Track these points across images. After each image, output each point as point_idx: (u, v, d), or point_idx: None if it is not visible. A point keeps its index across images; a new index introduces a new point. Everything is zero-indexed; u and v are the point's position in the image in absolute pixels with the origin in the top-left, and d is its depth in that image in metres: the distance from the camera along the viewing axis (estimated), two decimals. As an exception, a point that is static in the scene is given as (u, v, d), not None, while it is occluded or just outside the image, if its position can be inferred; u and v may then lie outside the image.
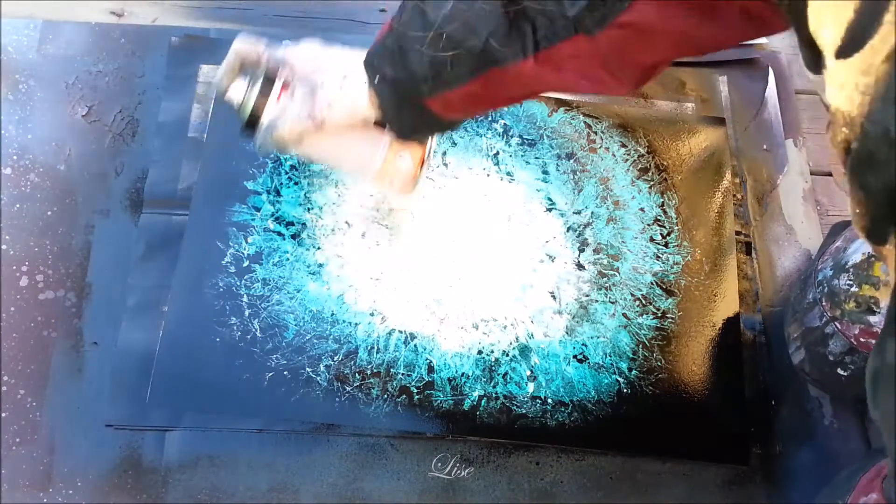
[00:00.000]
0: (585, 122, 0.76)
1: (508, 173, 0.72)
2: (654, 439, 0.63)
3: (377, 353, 0.64)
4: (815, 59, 0.32)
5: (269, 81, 0.55)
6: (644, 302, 0.68)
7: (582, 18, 0.46)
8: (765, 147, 0.79)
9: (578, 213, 0.71)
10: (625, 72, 0.50)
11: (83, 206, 0.68)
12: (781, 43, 0.87)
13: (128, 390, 0.61)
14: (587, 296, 0.68)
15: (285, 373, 0.62)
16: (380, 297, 0.66)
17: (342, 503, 0.60)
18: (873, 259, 0.57)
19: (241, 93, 0.56)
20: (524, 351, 0.65)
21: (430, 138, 0.61)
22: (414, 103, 0.53)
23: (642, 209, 0.72)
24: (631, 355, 0.65)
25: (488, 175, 0.72)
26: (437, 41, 0.50)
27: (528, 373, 0.64)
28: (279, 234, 0.67)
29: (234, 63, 0.57)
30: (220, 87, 0.57)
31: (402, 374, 0.63)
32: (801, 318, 0.64)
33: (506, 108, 0.75)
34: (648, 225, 0.72)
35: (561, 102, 0.76)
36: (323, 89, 0.54)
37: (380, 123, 0.57)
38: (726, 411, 0.64)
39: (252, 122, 0.56)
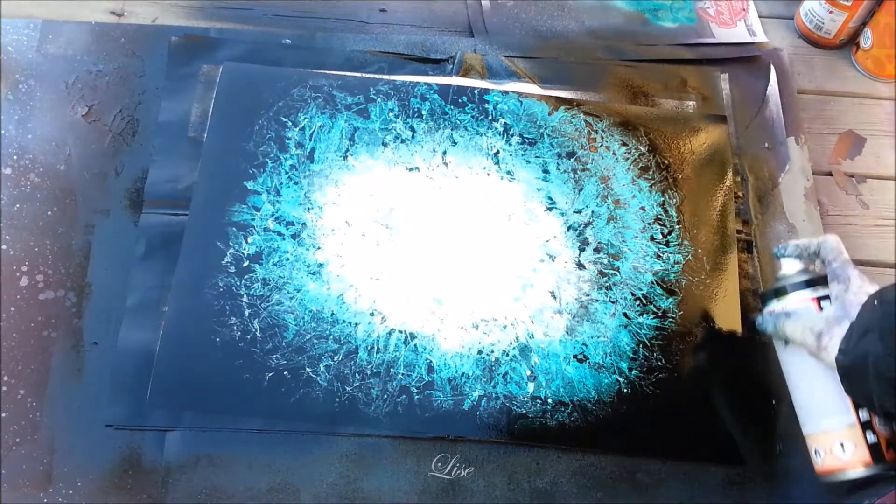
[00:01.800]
0: (586, 121, 0.75)
1: (509, 172, 0.72)
2: (655, 439, 0.63)
3: (377, 353, 0.63)
4: None
5: (814, 283, 0.59)
6: (644, 301, 0.68)
7: None
8: (766, 145, 0.78)
9: (579, 212, 0.71)
10: None
11: (83, 206, 0.68)
12: (783, 41, 0.87)
13: (128, 390, 0.61)
14: (587, 295, 0.68)
15: (285, 373, 0.62)
16: (380, 297, 0.65)
17: (342, 503, 0.60)
18: None
19: (788, 268, 0.61)
20: (524, 351, 0.65)
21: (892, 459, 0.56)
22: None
23: (643, 208, 0.72)
24: (631, 355, 0.65)
25: (488, 174, 0.72)
26: None
27: (529, 373, 0.64)
28: (279, 233, 0.67)
29: (810, 247, 0.60)
30: (783, 248, 0.62)
31: (402, 374, 0.63)
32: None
33: (506, 108, 0.75)
34: (649, 224, 0.71)
35: (561, 101, 0.76)
36: (835, 332, 0.54)
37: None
38: (726, 411, 0.64)
39: (771, 295, 0.61)
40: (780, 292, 0.61)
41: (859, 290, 0.56)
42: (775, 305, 0.61)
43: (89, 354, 0.63)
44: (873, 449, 0.55)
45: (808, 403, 0.59)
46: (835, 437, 0.56)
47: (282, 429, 0.61)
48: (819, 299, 0.59)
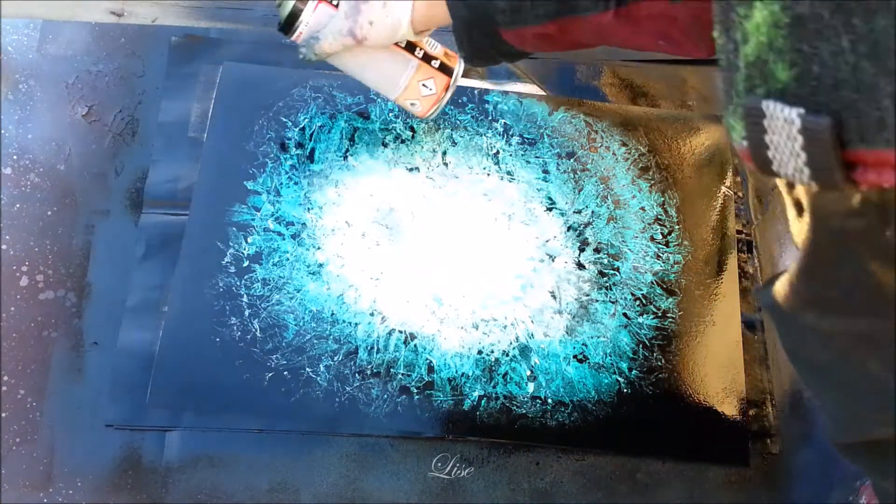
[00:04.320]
0: (586, 121, 0.75)
1: (509, 172, 0.72)
2: (655, 439, 0.63)
3: (377, 353, 0.63)
4: None
5: None
6: (644, 301, 0.68)
7: None
8: (766, 146, 0.78)
9: (579, 212, 0.71)
10: (704, 37, 0.49)
11: (83, 206, 0.68)
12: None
13: (128, 390, 0.61)
14: (587, 295, 0.68)
15: (285, 373, 0.62)
16: (380, 297, 0.65)
17: (342, 503, 0.60)
18: None
19: None
20: (524, 351, 0.65)
21: (457, 65, 0.65)
22: (486, 28, 0.54)
23: (643, 208, 0.72)
24: (631, 355, 0.65)
25: (488, 174, 0.72)
26: None
27: (529, 373, 0.64)
28: (279, 234, 0.67)
29: None
30: None
31: (402, 374, 0.63)
32: None
33: (506, 108, 0.75)
34: (649, 224, 0.71)
35: (561, 101, 0.76)
36: (367, 6, 0.56)
37: (411, 46, 0.62)
38: (727, 411, 0.64)
39: (288, 25, 0.60)
40: (290, 25, 0.60)
41: None
42: (299, 41, 0.61)
43: (89, 354, 0.63)
44: (444, 69, 0.65)
45: (383, 81, 0.65)
46: (414, 84, 0.64)
47: (282, 429, 0.61)
48: (327, 2, 0.60)
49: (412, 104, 0.66)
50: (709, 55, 0.49)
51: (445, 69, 0.65)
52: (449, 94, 0.66)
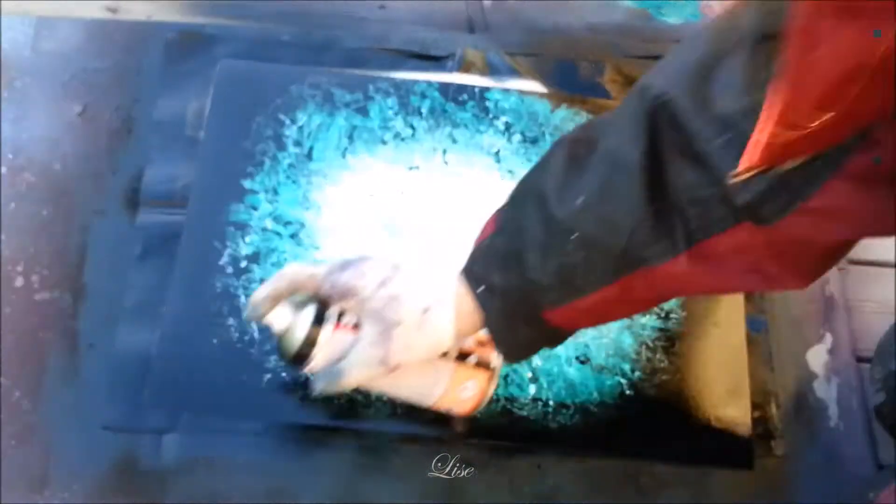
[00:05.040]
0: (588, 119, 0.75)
1: (510, 171, 0.71)
2: (658, 442, 0.62)
3: (376, 354, 0.63)
4: None
5: (321, 310, 0.50)
6: (647, 302, 0.67)
7: (755, 206, 0.38)
8: (770, 143, 0.77)
9: (581, 211, 0.70)
10: (801, 263, 0.42)
11: (79, 206, 0.68)
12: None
13: (125, 392, 0.61)
14: (589, 296, 0.67)
15: (283, 374, 0.61)
16: (379, 298, 0.65)
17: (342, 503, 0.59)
18: None
19: (284, 320, 0.50)
20: (525, 352, 0.64)
21: (495, 351, 0.52)
22: (530, 316, 0.46)
23: (646, 207, 0.71)
24: (634, 356, 0.65)
25: (489, 173, 0.71)
26: (565, 241, 0.42)
27: (530, 374, 0.63)
28: (277, 233, 0.66)
29: (281, 290, 0.50)
30: (256, 312, 0.50)
31: (402, 376, 0.62)
32: (887, 361, 0.63)
33: (507, 106, 0.74)
34: (652, 223, 0.71)
35: (563, 99, 0.75)
36: (400, 330, 0.46)
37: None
38: (730, 413, 0.64)
39: (300, 356, 0.50)
40: (302, 357, 0.50)
41: (366, 283, 0.48)
42: (313, 371, 0.51)
43: (86, 356, 0.62)
44: (482, 364, 0.53)
45: (414, 395, 0.54)
46: (452, 390, 0.53)
47: (280, 431, 0.60)
48: (342, 326, 0.50)
49: (451, 409, 0.55)
50: (806, 285, 0.43)
51: (484, 363, 0.54)
52: (493, 386, 0.54)
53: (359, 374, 0.48)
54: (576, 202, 0.42)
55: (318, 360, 0.50)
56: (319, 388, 0.49)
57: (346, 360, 0.48)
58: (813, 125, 0.33)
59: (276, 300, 0.50)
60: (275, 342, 0.54)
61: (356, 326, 0.49)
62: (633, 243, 0.41)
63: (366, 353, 0.47)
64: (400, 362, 0.47)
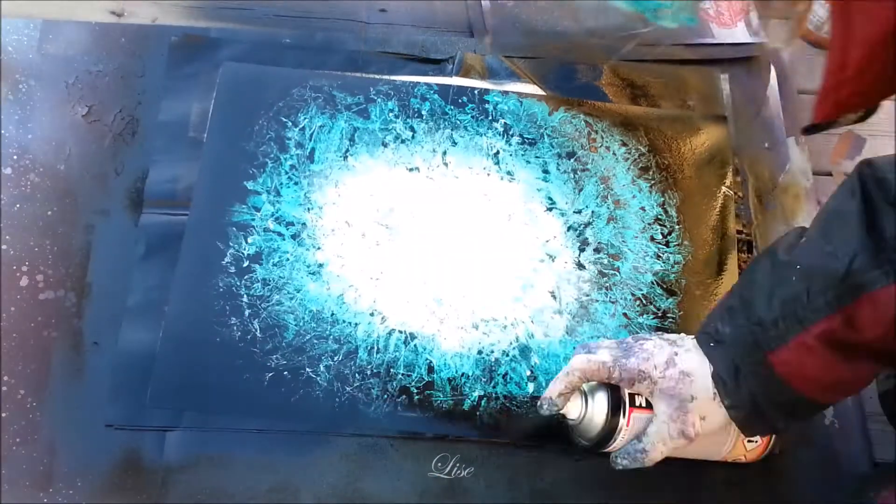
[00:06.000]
0: (586, 121, 0.75)
1: (509, 172, 0.72)
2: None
3: (377, 353, 0.63)
4: None
5: (614, 396, 0.54)
6: (645, 301, 0.68)
7: None
8: (766, 145, 0.78)
9: (579, 212, 0.71)
10: None
11: (83, 206, 0.68)
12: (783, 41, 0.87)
13: (128, 390, 0.61)
14: (587, 295, 0.68)
15: (285, 373, 0.62)
16: (380, 297, 0.65)
17: (342, 503, 0.60)
18: None
19: (580, 410, 0.56)
20: (524, 351, 0.65)
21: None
22: (755, 362, 0.48)
23: (643, 208, 0.72)
24: (631, 355, 0.65)
25: (488, 174, 0.72)
26: (789, 276, 0.45)
27: (529, 373, 0.64)
28: (279, 234, 0.67)
29: (574, 383, 0.54)
30: (553, 407, 0.55)
31: (402, 375, 0.63)
32: None
33: (506, 108, 0.75)
34: (649, 224, 0.71)
35: (561, 101, 0.76)
36: (696, 403, 0.51)
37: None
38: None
39: (603, 441, 0.55)
40: (603, 442, 0.55)
41: (654, 364, 0.52)
42: (615, 453, 0.55)
43: (89, 354, 0.63)
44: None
45: (703, 452, 0.58)
46: (739, 444, 0.57)
47: (282, 429, 0.61)
48: (635, 408, 0.54)
49: (739, 459, 0.59)
50: None
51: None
52: (775, 437, 0.59)
53: (663, 448, 0.52)
54: (799, 243, 0.47)
55: (619, 443, 0.55)
56: (623, 465, 0.54)
57: (647, 437, 0.53)
58: (862, 83, 0.39)
59: (570, 394, 0.55)
60: (568, 426, 0.58)
61: (648, 405, 0.54)
62: (853, 269, 0.43)
63: (666, 430, 0.52)
64: (699, 433, 0.52)
